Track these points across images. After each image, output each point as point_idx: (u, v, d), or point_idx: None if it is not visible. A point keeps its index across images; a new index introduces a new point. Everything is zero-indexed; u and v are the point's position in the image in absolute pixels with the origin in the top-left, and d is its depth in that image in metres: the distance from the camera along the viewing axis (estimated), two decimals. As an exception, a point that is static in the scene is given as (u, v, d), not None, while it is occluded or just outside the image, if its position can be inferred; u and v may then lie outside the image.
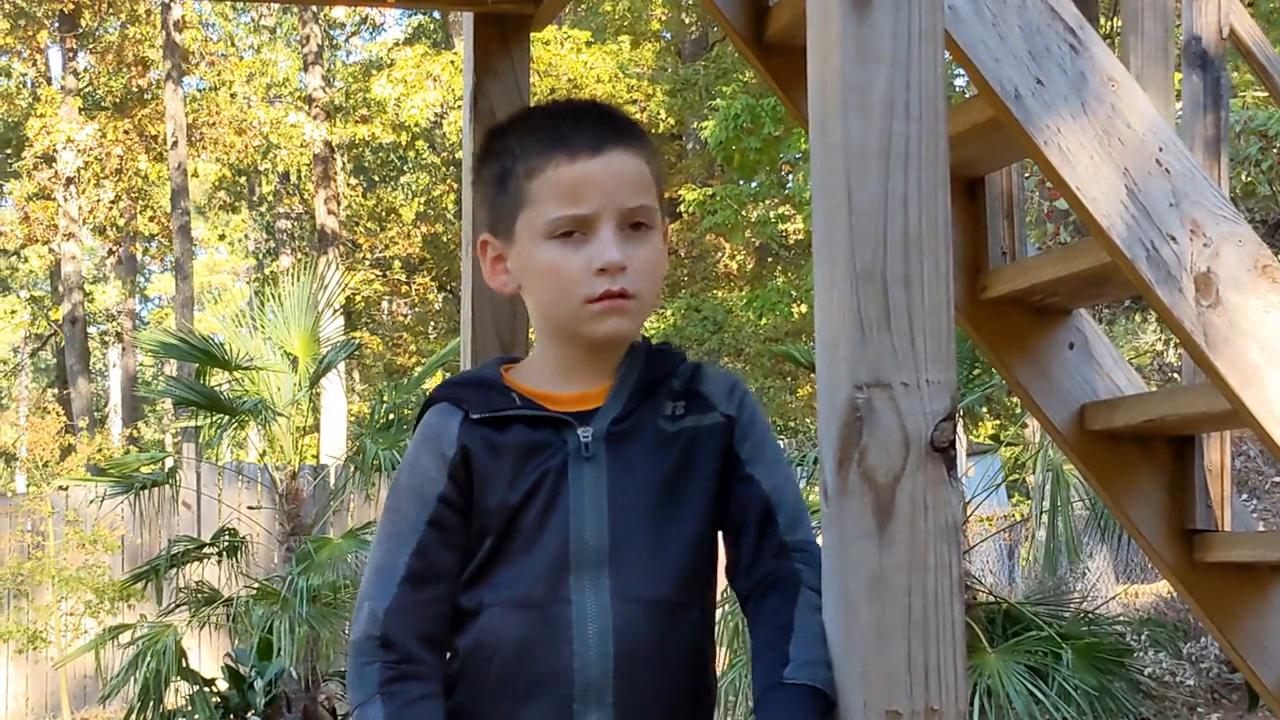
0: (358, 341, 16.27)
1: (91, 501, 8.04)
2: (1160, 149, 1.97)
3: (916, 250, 1.48)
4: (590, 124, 1.56)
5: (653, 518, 1.52)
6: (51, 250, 19.13)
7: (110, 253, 21.50)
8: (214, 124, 18.12)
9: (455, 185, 20.43)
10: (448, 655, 1.55)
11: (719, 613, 6.75)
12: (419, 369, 10.47)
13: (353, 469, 7.52)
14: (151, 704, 6.44)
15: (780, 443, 1.67)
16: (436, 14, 20.78)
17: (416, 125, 17.52)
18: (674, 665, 1.51)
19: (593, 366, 1.56)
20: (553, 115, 1.60)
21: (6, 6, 18.26)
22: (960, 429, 6.23)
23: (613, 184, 1.52)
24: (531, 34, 2.85)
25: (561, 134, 1.54)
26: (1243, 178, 5.97)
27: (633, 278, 1.51)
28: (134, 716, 6.50)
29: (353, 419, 16.91)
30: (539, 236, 1.52)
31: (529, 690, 1.49)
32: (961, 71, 2.37)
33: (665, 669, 1.50)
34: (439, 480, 1.52)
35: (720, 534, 1.60)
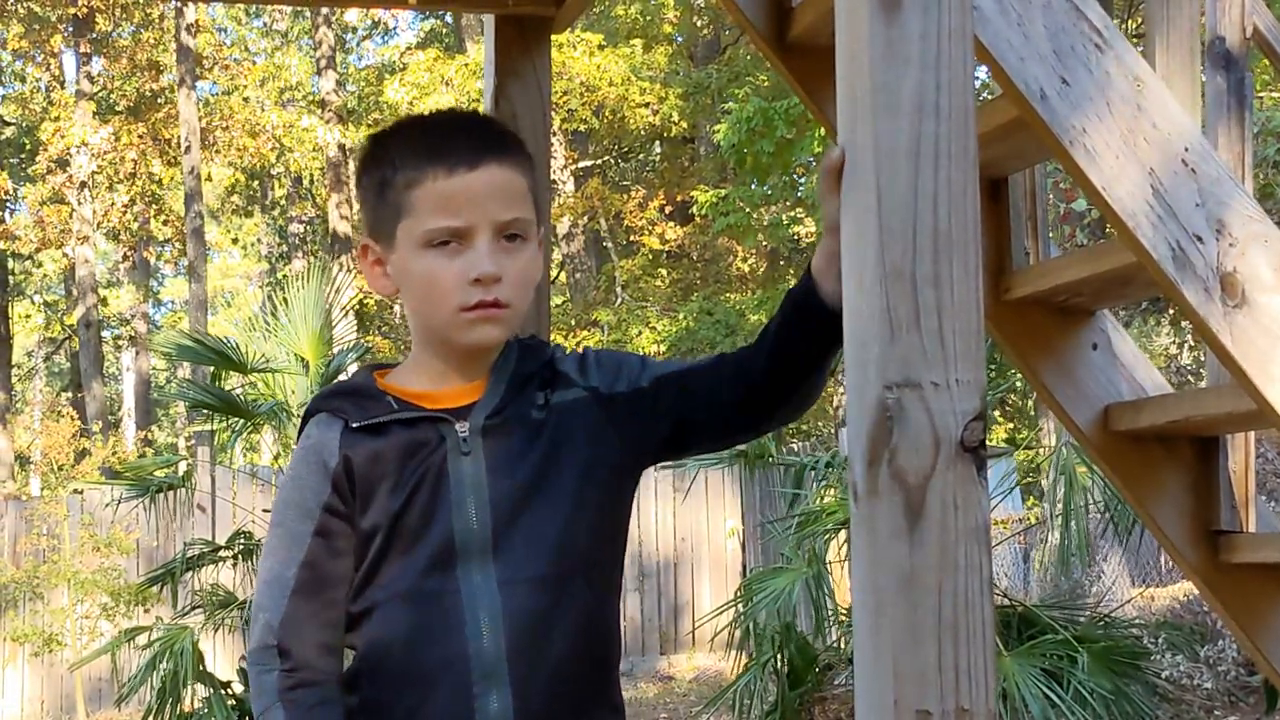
0: (367, 344, 16.25)
1: (107, 505, 8.07)
2: (1186, 149, 1.96)
3: (946, 249, 1.49)
4: (467, 137, 1.61)
5: (531, 502, 1.58)
6: (66, 254, 19.19)
7: (124, 257, 21.56)
8: (227, 128, 18.16)
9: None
10: (346, 657, 1.62)
11: (729, 615, 6.74)
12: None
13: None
14: (168, 706, 6.45)
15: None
16: (450, 19, 20.81)
17: (430, 129, 17.54)
18: (565, 635, 1.57)
19: (467, 366, 1.62)
20: (432, 127, 1.66)
21: (20, 11, 18.32)
22: (976, 431, 6.20)
23: (488, 197, 1.57)
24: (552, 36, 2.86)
25: (440, 147, 1.59)
26: (1260, 179, 5.96)
27: (506, 288, 1.58)
28: (151, 718, 6.52)
29: (365, 422, 16.91)
30: (417, 245, 1.58)
31: (429, 678, 1.55)
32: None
33: (555, 640, 1.56)
34: (322, 490, 1.59)
35: (693, 442, 1.69)
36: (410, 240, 1.59)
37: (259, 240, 26.02)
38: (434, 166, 1.58)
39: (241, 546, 7.22)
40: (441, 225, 1.57)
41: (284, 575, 1.59)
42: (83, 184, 17.79)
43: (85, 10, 17.77)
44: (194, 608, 7.09)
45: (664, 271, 18.53)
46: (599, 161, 19.55)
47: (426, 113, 1.75)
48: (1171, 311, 8.74)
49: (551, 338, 2.78)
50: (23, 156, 20.95)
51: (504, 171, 1.60)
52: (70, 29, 18.62)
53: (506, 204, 1.59)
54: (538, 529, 1.58)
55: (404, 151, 1.61)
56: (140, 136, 17.93)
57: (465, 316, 1.58)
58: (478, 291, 1.57)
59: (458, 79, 15.99)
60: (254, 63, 20.88)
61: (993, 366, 6.03)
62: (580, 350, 1.69)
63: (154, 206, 19.25)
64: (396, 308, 21.85)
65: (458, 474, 1.58)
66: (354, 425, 1.59)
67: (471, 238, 1.57)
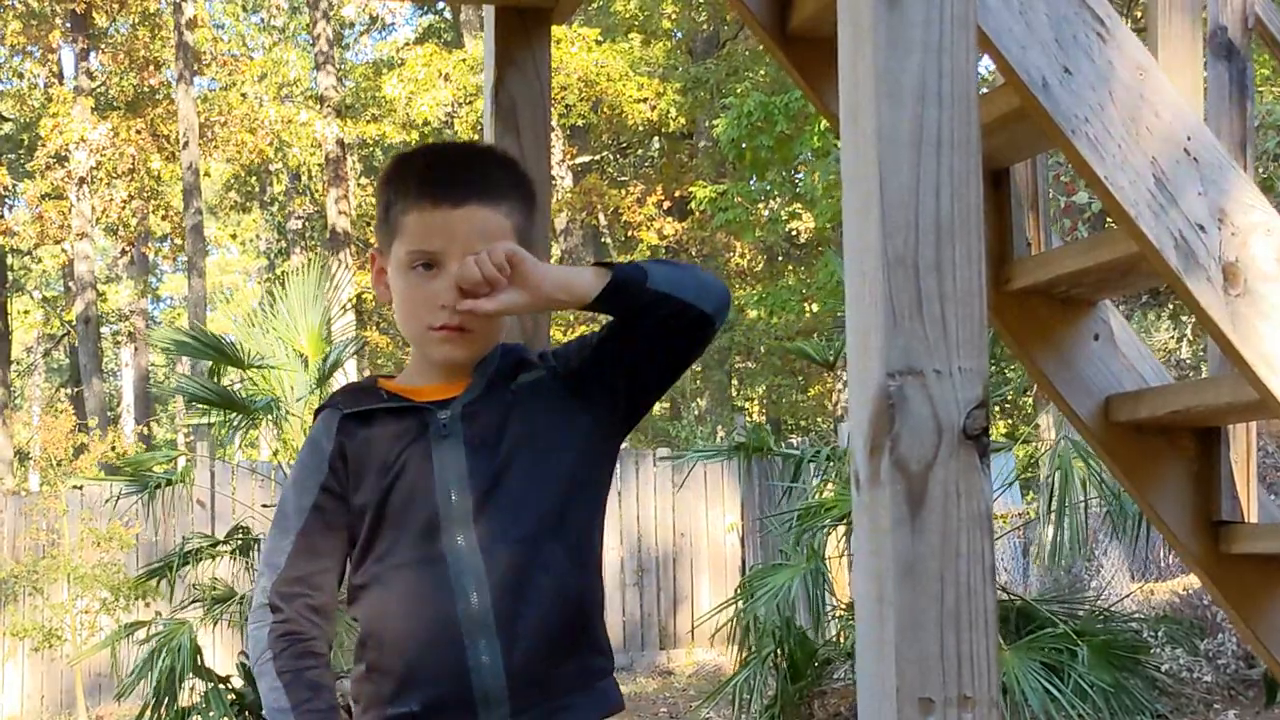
0: (365, 340, 16.19)
1: (106, 500, 8.06)
2: (1188, 138, 1.96)
3: (948, 237, 1.49)
4: (463, 176, 1.79)
5: (504, 474, 1.74)
6: (64, 250, 19.15)
7: (123, 252, 21.54)
8: (225, 123, 18.13)
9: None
10: (332, 626, 1.81)
11: (731, 610, 6.74)
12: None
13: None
14: (167, 701, 6.45)
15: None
16: (449, 14, 20.79)
17: (427, 124, 17.52)
18: (544, 589, 1.72)
19: (452, 369, 1.80)
20: (437, 161, 1.86)
21: (18, 7, 18.29)
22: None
23: (464, 232, 1.74)
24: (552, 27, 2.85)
25: (435, 181, 1.78)
26: (1260, 173, 5.96)
27: (470, 315, 1.73)
28: (150, 713, 6.51)
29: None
30: (401, 265, 1.78)
31: (424, 638, 1.71)
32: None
33: (536, 595, 1.72)
34: (320, 470, 1.79)
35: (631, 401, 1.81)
36: (397, 259, 1.78)
37: (258, 236, 26.00)
38: (424, 198, 1.76)
39: (240, 541, 7.21)
40: (417, 249, 1.76)
41: (282, 544, 1.79)
42: (81, 180, 17.75)
43: (83, 6, 17.74)
44: (192, 602, 7.08)
45: (663, 267, 18.46)
46: (597, 157, 19.53)
47: (442, 144, 2.00)
48: (1171, 306, 8.73)
49: (550, 333, 2.79)
50: (21, 152, 20.92)
51: (485, 211, 1.76)
52: (68, 24, 18.59)
53: (480, 239, 1.73)
54: (511, 497, 1.74)
55: (409, 179, 1.80)
56: (139, 132, 17.89)
57: (432, 335, 1.76)
58: (443, 315, 1.74)
59: (455, 74, 15.97)
60: (252, 58, 20.85)
61: (991, 361, 6.03)
62: (543, 349, 1.89)
63: (153, 202, 19.22)
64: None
65: (440, 455, 1.74)
66: (346, 412, 1.79)
67: (443, 265, 1.74)
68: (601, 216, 18.16)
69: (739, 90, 14.23)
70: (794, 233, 15.72)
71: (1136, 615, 7.25)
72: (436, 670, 1.71)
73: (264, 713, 1.76)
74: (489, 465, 1.74)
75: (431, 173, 1.80)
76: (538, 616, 1.72)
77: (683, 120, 17.41)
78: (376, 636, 1.75)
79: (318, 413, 1.84)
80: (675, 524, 11.42)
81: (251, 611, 1.80)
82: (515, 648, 1.70)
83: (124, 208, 18.26)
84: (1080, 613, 6.30)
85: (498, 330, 1.81)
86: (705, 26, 18.64)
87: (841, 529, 6.40)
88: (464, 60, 16.04)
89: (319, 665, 1.75)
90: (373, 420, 1.78)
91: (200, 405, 7.40)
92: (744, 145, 12.58)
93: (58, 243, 18.71)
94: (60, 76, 19.97)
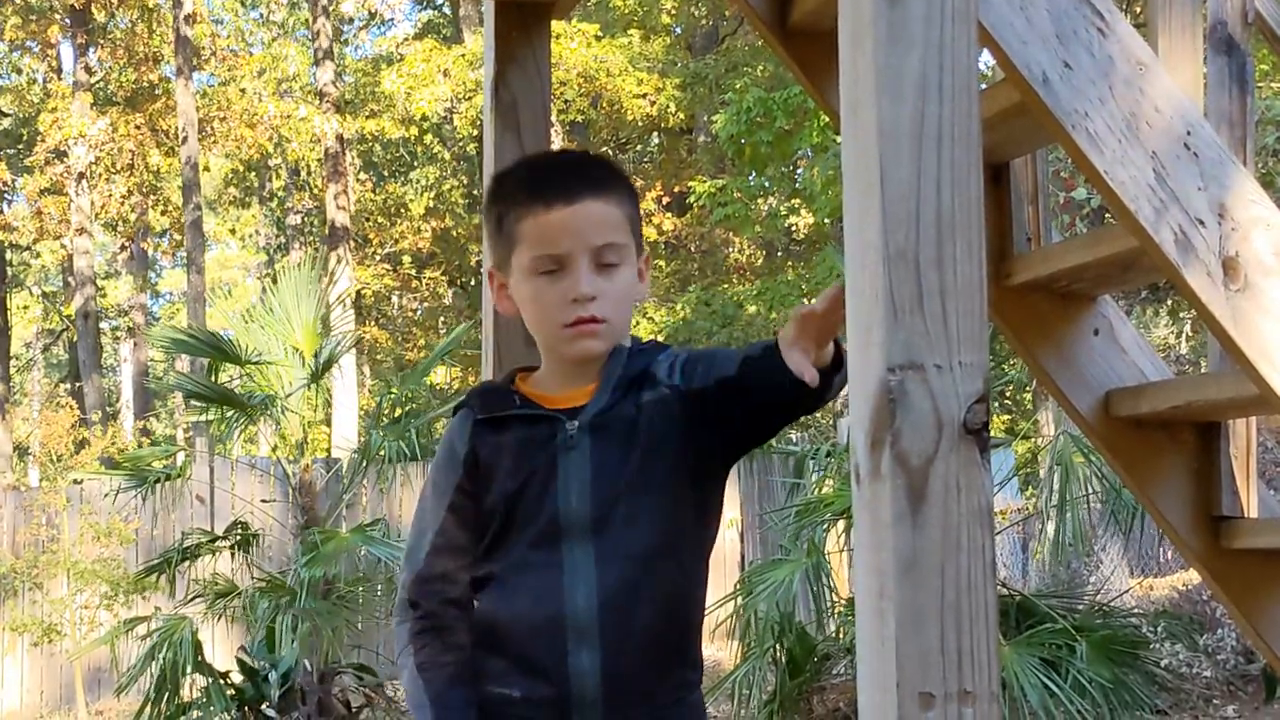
0: (358, 334, 16.19)
1: (106, 495, 8.06)
2: (1188, 132, 1.96)
3: (949, 231, 1.49)
4: (567, 176, 1.85)
5: (626, 490, 1.79)
6: (64, 245, 19.15)
7: (122, 248, 21.53)
8: (224, 118, 18.11)
9: (465, 180, 20.42)
10: (470, 614, 1.87)
11: (729, 607, 6.74)
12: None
13: (362, 461, 7.52)
14: (168, 695, 6.45)
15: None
16: (448, 8, 20.78)
17: (425, 119, 17.52)
18: (651, 604, 1.78)
19: (580, 372, 1.85)
20: (539, 167, 1.94)
21: (17, 2, 18.28)
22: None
23: (584, 227, 1.80)
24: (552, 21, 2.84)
25: (543, 186, 1.84)
26: (1259, 168, 5.96)
27: (603, 306, 1.81)
28: (150, 708, 6.51)
29: (363, 413, 16.94)
30: (526, 272, 1.83)
31: (529, 635, 1.80)
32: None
33: (643, 609, 1.78)
34: (455, 472, 1.86)
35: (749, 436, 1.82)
36: (521, 268, 1.83)
37: (257, 231, 25.99)
38: (536, 203, 1.82)
39: (239, 537, 7.21)
40: (542, 253, 1.81)
41: (421, 541, 1.88)
42: (80, 175, 17.74)
43: (82, 1, 17.72)
44: (193, 597, 7.09)
45: (661, 263, 18.52)
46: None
47: (537, 153, 2.09)
48: (1170, 302, 8.74)
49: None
50: (20, 147, 20.91)
51: (598, 205, 1.82)
52: (67, 20, 18.57)
53: (601, 231, 1.81)
54: (631, 514, 1.79)
55: (516, 190, 1.86)
56: (138, 127, 17.88)
57: (567, 332, 1.81)
58: (576, 309, 1.80)
59: (455, 69, 15.96)
60: (251, 53, 20.83)
61: (991, 358, 6.02)
62: (679, 351, 1.90)
63: (152, 197, 19.20)
64: (394, 299, 21.85)
65: (565, 465, 1.81)
66: (479, 417, 1.86)
67: (570, 263, 1.80)
68: (601, 212, 18.10)
69: (738, 86, 14.22)
70: (793, 228, 15.73)
71: (1136, 611, 7.25)
72: (539, 666, 1.79)
73: (405, 704, 1.84)
74: (611, 479, 1.79)
75: (538, 176, 1.87)
76: (642, 631, 1.78)
77: (682, 116, 17.41)
78: (487, 627, 1.83)
79: (456, 409, 1.91)
80: (674, 519, 11.41)
81: (395, 608, 1.90)
82: (616, 657, 1.78)
83: (123, 203, 18.25)
84: (1079, 608, 6.31)
85: (627, 322, 1.86)
86: (705, 22, 18.63)
87: (841, 525, 6.40)
88: (463, 56, 16.03)
89: (458, 660, 1.83)
90: (505, 426, 1.84)
91: (198, 402, 7.40)
92: (743, 141, 12.58)
93: (57, 238, 18.70)
94: (59, 71, 19.95)
